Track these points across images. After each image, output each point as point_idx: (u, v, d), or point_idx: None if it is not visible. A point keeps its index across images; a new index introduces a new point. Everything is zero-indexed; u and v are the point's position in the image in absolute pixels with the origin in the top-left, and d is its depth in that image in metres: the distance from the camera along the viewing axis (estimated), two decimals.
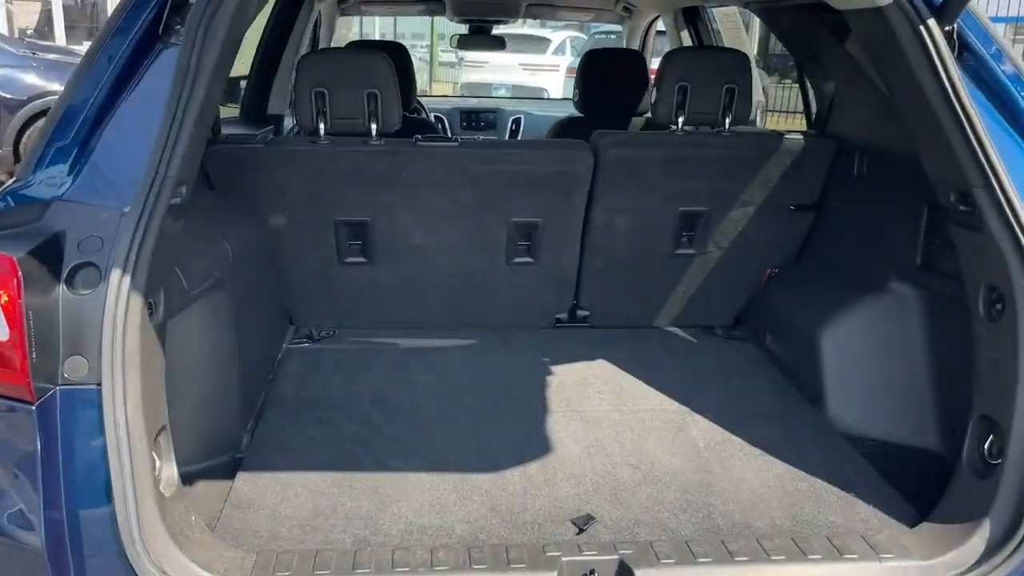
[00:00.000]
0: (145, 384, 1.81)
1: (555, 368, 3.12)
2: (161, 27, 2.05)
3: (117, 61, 1.99)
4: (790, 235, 3.37)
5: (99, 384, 1.73)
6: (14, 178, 1.92)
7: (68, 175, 1.88)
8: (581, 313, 3.52)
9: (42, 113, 8.61)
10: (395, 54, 4.20)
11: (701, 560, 1.98)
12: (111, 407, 1.72)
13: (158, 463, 1.92)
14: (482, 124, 6.04)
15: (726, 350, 3.35)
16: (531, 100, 7.09)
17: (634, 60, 4.59)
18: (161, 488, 1.89)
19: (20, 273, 1.65)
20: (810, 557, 2.01)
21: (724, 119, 3.12)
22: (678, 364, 3.20)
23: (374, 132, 2.95)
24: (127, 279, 1.75)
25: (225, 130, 3.74)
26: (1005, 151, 2.09)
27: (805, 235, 3.40)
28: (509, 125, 6.02)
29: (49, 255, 1.74)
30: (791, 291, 3.28)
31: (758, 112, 13.63)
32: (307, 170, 2.95)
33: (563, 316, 3.52)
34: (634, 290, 3.45)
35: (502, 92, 17.61)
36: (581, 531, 2.14)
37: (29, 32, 21.03)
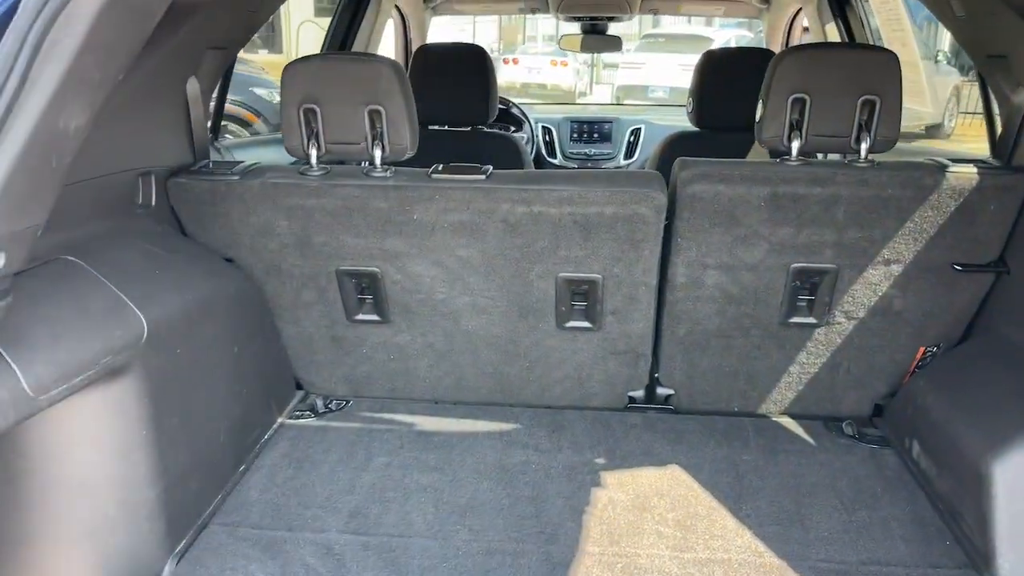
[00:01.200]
0: None
1: (609, 476, 2.34)
2: None
3: None
4: (954, 305, 2.43)
5: None
6: None
7: None
8: (662, 392, 2.72)
9: None
10: (471, 58, 3.56)
11: None
12: None
13: None
14: (595, 136, 5.27)
15: (854, 459, 2.44)
16: (657, 108, 6.23)
17: (764, 62, 3.69)
18: None
19: None
20: None
21: (859, 144, 2.24)
22: (782, 477, 2.34)
23: (378, 160, 2.29)
24: None
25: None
26: None
27: (977, 305, 2.44)
28: (627, 136, 5.21)
29: None
30: (952, 384, 2.34)
31: (946, 116, 12.06)
32: (295, 209, 2.32)
33: (638, 395, 2.72)
34: (732, 367, 2.61)
35: (659, 94, 16.73)
36: None
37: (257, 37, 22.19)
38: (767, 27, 4.72)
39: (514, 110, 5.23)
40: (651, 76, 17.61)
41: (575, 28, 5.10)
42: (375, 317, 2.56)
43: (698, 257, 2.38)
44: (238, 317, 2.35)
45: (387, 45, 4.73)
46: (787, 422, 2.66)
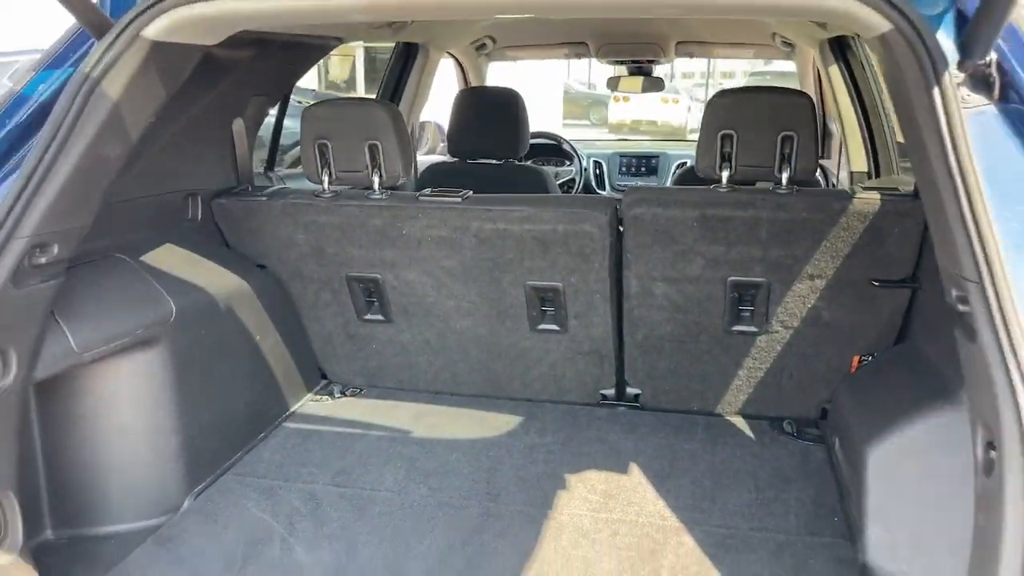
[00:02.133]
0: None
1: (560, 455, 2.73)
2: None
3: (14, 119, 2.00)
4: (878, 317, 2.70)
5: None
6: None
7: None
8: (631, 391, 3.08)
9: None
10: (504, 101, 4.02)
11: None
12: None
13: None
14: (642, 169, 5.67)
15: (784, 452, 2.74)
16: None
17: None
18: None
19: None
20: None
21: (780, 174, 2.58)
22: (712, 464, 2.67)
23: (376, 185, 2.79)
24: None
25: None
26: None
27: (901, 317, 2.71)
28: (672, 170, 5.58)
29: None
30: (866, 388, 2.61)
31: None
32: (309, 224, 2.85)
33: (610, 393, 3.10)
34: (687, 370, 2.95)
35: None
36: None
37: (340, 83, 23.76)
38: (798, 68, 5.00)
39: (565, 146, 5.68)
40: None
41: (623, 70, 5.54)
42: (380, 317, 3.05)
43: (646, 270, 2.76)
44: (261, 312, 2.89)
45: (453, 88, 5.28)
46: (738, 421, 2.97)
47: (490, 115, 3.99)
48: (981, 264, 1.46)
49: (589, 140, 6.53)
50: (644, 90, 5.75)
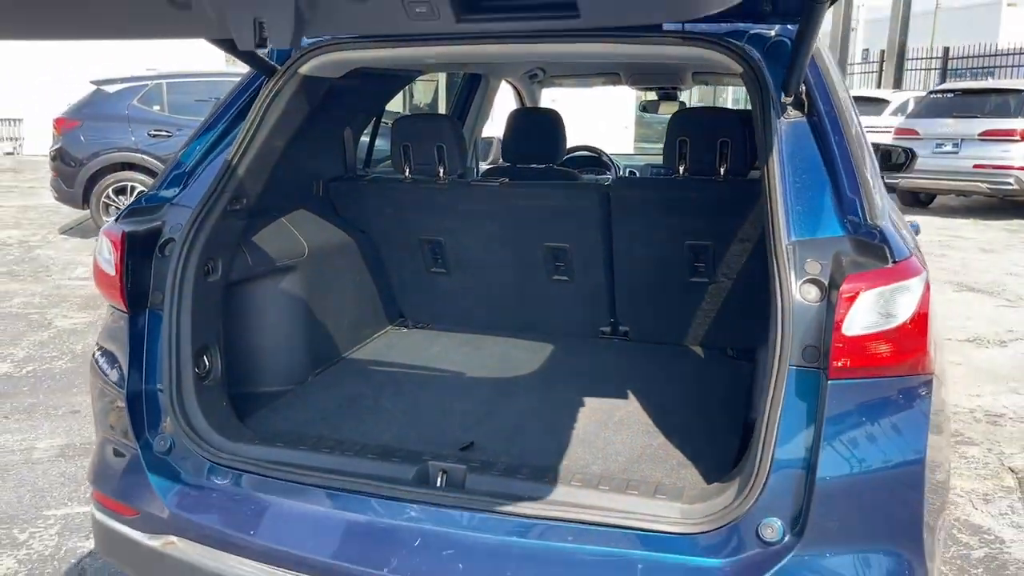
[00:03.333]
0: (196, 315, 3.01)
1: (560, 363, 3.90)
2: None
3: (223, 122, 3.29)
4: None
5: None
6: (150, 188, 3.29)
7: (181, 188, 3.19)
8: (623, 328, 4.23)
9: None
10: (545, 118, 5.22)
11: (519, 477, 2.72)
12: (167, 323, 2.95)
13: (207, 365, 3.12)
14: None
15: (721, 367, 3.85)
16: None
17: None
18: (207, 381, 3.09)
19: (125, 241, 2.94)
20: (600, 487, 2.64)
21: (719, 168, 3.70)
22: (666, 369, 3.79)
23: (441, 173, 4.01)
24: (184, 250, 2.99)
25: None
26: (802, 202, 2.61)
27: None
28: None
29: (151, 233, 3.04)
30: None
31: None
32: (395, 200, 4.10)
33: (607, 330, 4.25)
34: (662, 311, 4.08)
35: None
36: (462, 450, 2.97)
37: (423, 106, 25.49)
38: None
39: (604, 158, 6.86)
40: None
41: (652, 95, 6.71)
42: (443, 270, 4.27)
43: (630, 236, 3.90)
44: (360, 262, 4.15)
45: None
46: (697, 349, 4.09)
47: (534, 129, 5.19)
48: (769, 208, 2.58)
49: (627, 154, 7.70)
50: (646, 110, 6.94)
